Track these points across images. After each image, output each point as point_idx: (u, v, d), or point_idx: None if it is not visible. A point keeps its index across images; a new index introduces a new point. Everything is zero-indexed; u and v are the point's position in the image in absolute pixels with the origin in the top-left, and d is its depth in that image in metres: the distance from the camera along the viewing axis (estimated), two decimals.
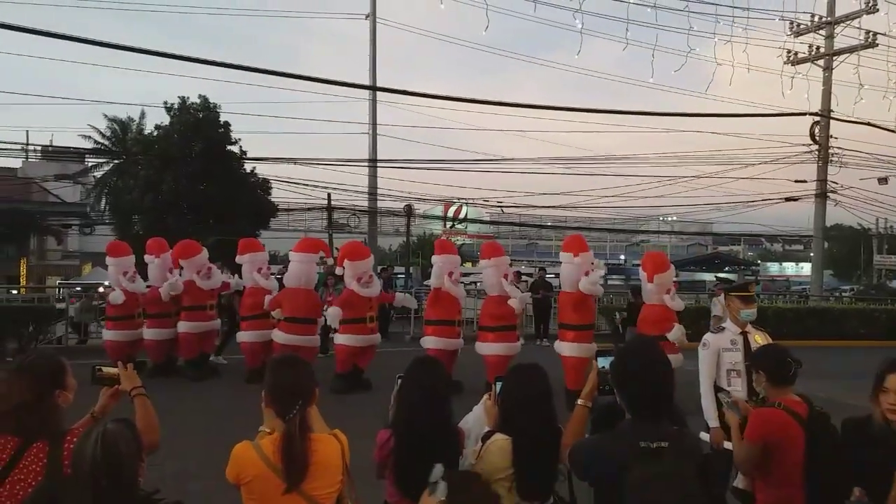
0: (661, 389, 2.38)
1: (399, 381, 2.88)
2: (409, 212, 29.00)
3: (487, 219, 42.31)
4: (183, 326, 10.30)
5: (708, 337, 4.61)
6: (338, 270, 9.99)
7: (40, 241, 35.43)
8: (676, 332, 8.63)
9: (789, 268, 62.01)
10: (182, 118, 22.61)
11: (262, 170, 24.30)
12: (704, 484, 2.38)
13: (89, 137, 33.63)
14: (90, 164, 34.10)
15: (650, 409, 2.36)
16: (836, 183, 23.51)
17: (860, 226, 44.99)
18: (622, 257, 57.42)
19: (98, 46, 12.14)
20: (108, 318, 10.90)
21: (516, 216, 38.36)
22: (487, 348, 9.24)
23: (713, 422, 4.35)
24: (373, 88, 21.41)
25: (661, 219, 47.72)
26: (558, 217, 39.41)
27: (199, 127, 22.28)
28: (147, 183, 21.95)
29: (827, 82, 22.59)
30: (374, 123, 22.77)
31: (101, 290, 14.41)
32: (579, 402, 2.75)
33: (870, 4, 21.11)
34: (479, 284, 16.37)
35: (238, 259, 10.77)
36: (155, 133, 24.13)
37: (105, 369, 2.72)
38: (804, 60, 22.84)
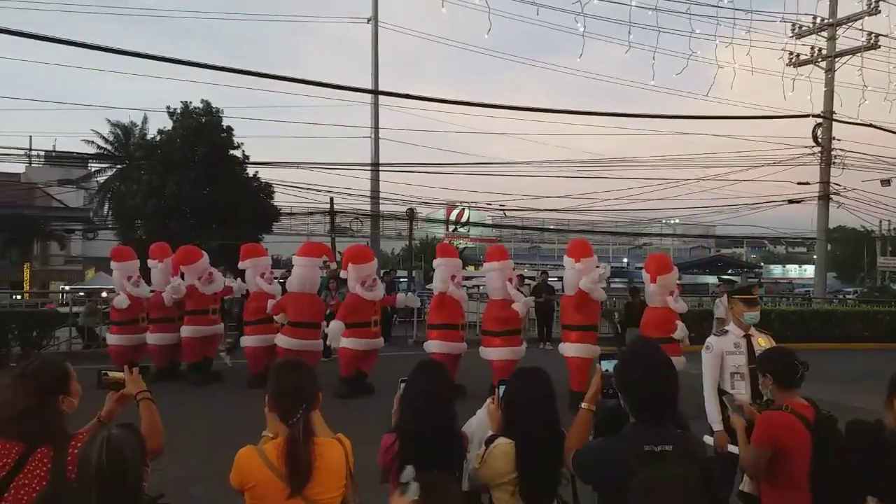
0: (664, 393, 2.38)
1: (402, 384, 2.88)
2: (411, 215, 29.00)
3: (490, 222, 42.33)
4: (185, 331, 10.30)
5: (711, 340, 4.60)
6: (343, 274, 9.99)
7: (43, 246, 35.57)
8: (680, 332, 8.66)
9: (792, 270, 61.94)
10: (185, 123, 22.68)
11: (265, 174, 24.37)
12: (708, 487, 2.37)
13: (92, 142, 33.78)
14: (93, 169, 34.21)
15: (653, 413, 2.35)
16: (839, 185, 23.50)
17: (863, 228, 44.97)
18: (625, 260, 57.39)
19: (101, 51, 12.17)
20: (112, 322, 10.92)
21: (519, 219, 38.38)
22: (494, 353, 9.18)
23: (717, 425, 4.34)
24: (375, 92, 21.46)
25: (663, 221, 47.70)
26: (561, 220, 39.41)
27: (201, 131, 22.34)
28: (150, 187, 22.00)
29: (829, 84, 22.58)
30: (376, 127, 22.84)
31: (104, 294, 14.45)
32: (583, 405, 2.74)
33: (871, 6, 21.12)
34: (481, 288, 16.38)
35: (241, 264, 10.78)
36: (158, 138, 24.20)
37: (111, 374, 2.72)
38: (806, 62, 22.84)
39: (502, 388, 2.92)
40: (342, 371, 9.51)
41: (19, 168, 35.96)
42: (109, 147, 33.81)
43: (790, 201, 24.52)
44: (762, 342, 4.47)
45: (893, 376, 2.95)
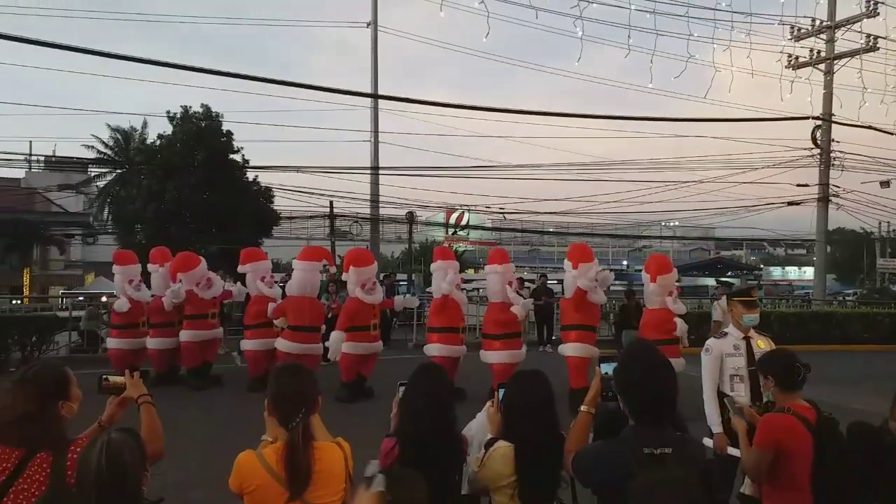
0: (663, 395, 2.38)
1: (401, 387, 2.88)
2: (411, 219, 29.00)
3: (489, 225, 42.36)
4: (184, 335, 10.30)
5: (711, 342, 4.61)
6: (343, 277, 10.00)
7: (43, 251, 35.58)
8: (681, 329, 8.75)
9: (792, 272, 61.99)
10: (184, 127, 22.69)
11: (265, 178, 24.40)
12: (708, 490, 2.37)
13: (92, 147, 33.75)
14: (93, 174, 34.21)
15: (653, 415, 2.35)
16: (839, 187, 23.50)
17: (863, 229, 45.00)
18: (625, 263, 57.36)
19: (100, 56, 12.19)
20: (112, 326, 10.92)
21: (518, 222, 38.38)
22: (494, 356, 9.18)
23: (717, 427, 4.34)
24: (374, 96, 21.49)
25: (663, 224, 47.71)
26: (560, 223, 39.39)
27: (201, 136, 22.35)
28: (150, 192, 22.00)
29: (828, 86, 22.62)
30: (376, 131, 22.87)
31: (104, 298, 14.46)
32: (582, 408, 2.74)
33: (870, 8, 21.16)
34: (481, 291, 16.37)
35: (241, 268, 10.79)
36: (157, 142, 24.22)
37: (112, 378, 2.72)
38: (805, 64, 22.88)
39: (502, 392, 2.92)
40: (343, 376, 9.50)
41: (19, 173, 35.96)
42: (109, 152, 33.81)
43: (790, 203, 24.53)
44: (761, 344, 4.48)
45: None
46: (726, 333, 4.60)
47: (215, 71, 13.87)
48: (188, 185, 21.55)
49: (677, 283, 9.46)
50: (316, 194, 32.00)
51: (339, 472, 2.41)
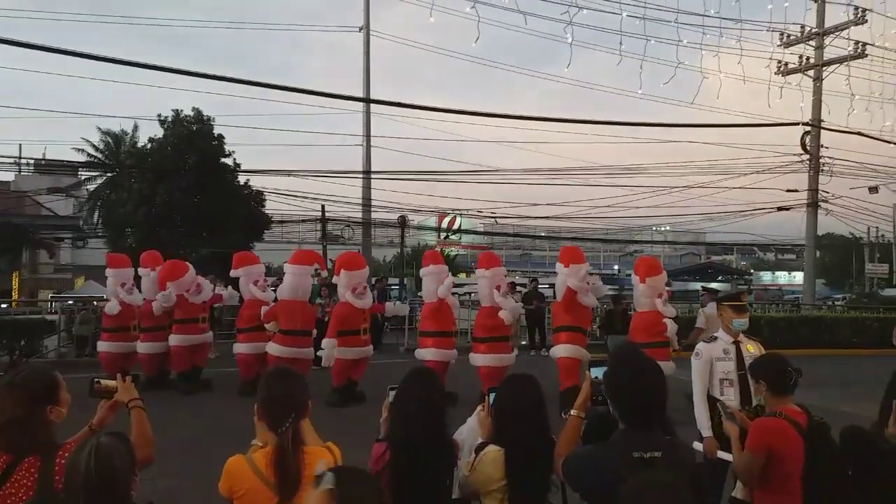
0: (651, 398, 2.39)
1: (391, 392, 2.88)
2: (402, 223, 29.01)
3: (481, 229, 42.37)
4: (174, 340, 10.26)
5: (700, 346, 4.63)
6: (335, 280, 9.99)
7: (32, 255, 35.30)
8: (671, 330, 8.80)
9: (782, 277, 62.30)
10: (175, 131, 22.61)
11: (256, 182, 24.31)
12: (697, 494, 2.38)
13: (82, 150, 33.59)
14: (83, 178, 34.07)
15: (642, 419, 2.36)
16: (828, 192, 23.68)
17: (852, 235, 45.31)
18: (616, 267, 57.51)
19: (91, 60, 12.14)
20: (103, 329, 10.88)
21: (510, 227, 38.44)
22: (480, 359, 9.23)
23: (706, 431, 4.36)
24: (366, 101, 21.47)
25: (654, 228, 47.90)
26: (552, 227, 39.49)
27: (192, 139, 22.28)
28: (140, 196, 21.90)
29: (817, 92, 22.79)
30: (368, 135, 22.81)
31: (95, 303, 14.38)
32: (573, 412, 2.75)
33: (858, 16, 21.36)
34: (472, 295, 16.40)
35: (233, 272, 10.78)
36: (148, 146, 24.10)
37: (103, 382, 2.71)
38: (794, 71, 23.05)
39: (492, 396, 2.92)
40: (334, 381, 9.48)
41: (9, 176, 35.77)
42: (100, 155, 33.66)
43: (779, 208, 24.68)
44: (751, 349, 4.50)
45: None
46: (716, 338, 4.62)
47: (207, 74, 13.85)
48: (179, 188, 21.46)
49: (668, 288, 9.51)
50: (310, 198, 31.93)
51: None
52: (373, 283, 16.32)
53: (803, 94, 22.47)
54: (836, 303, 29.75)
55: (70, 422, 2.44)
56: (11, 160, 28.57)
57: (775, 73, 23.11)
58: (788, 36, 23.01)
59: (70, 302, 17.62)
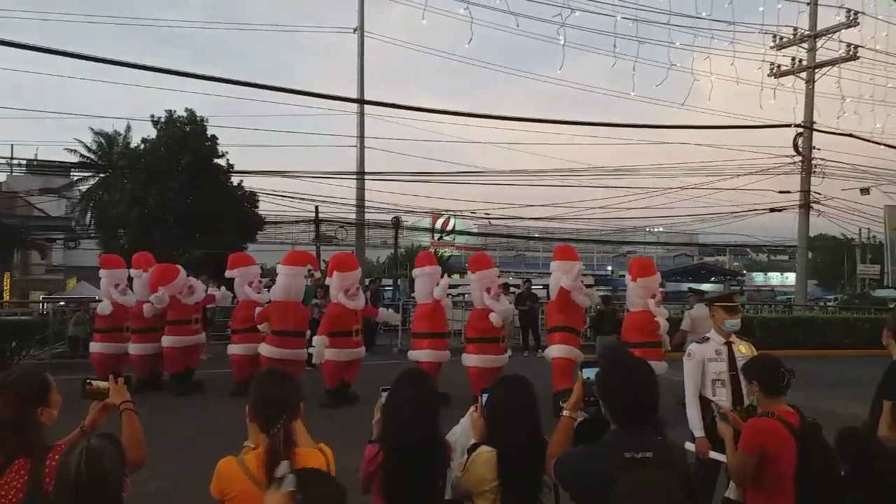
0: (643, 399, 2.40)
1: (383, 393, 2.87)
2: (396, 224, 28.98)
3: (475, 231, 42.40)
4: (167, 341, 10.23)
5: (693, 347, 4.65)
6: (328, 281, 9.98)
7: (24, 256, 35.12)
8: (663, 329, 8.86)
9: (774, 278, 62.51)
10: (169, 132, 22.53)
11: (250, 183, 24.26)
12: (690, 494, 2.38)
13: (75, 151, 33.47)
14: (75, 178, 33.90)
15: (634, 419, 2.37)
16: (820, 194, 23.82)
17: (843, 236, 45.52)
18: (609, 268, 57.64)
19: (84, 60, 12.09)
20: (96, 330, 10.85)
21: (504, 228, 38.48)
22: (470, 360, 9.25)
23: (698, 431, 4.37)
24: (360, 102, 21.45)
25: (647, 230, 47.99)
26: (545, 228, 39.55)
27: (185, 140, 22.20)
28: (133, 197, 21.81)
29: (809, 94, 22.91)
30: (362, 136, 22.80)
31: (91, 305, 14.33)
32: (565, 413, 2.75)
33: (850, 18, 21.48)
34: (466, 297, 16.40)
35: (228, 273, 10.77)
36: (141, 146, 24.01)
37: (95, 383, 2.70)
38: (787, 73, 23.16)
39: (485, 397, 2.92)
40: (326, 383, 9.45)
41: (0, 177, 35.55)
42: (92, 156, 33.52)
43: (772, 210, 24.81)
44: (743, 349, 4.52)
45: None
46: (708, 338, 4.63)
47: (200, 75, 13.83)
48: (172, 189, 21.39)
49: (662, 289, 9.54)
50: (302, 199, 31.88)
51: None
52: (366, 284, 16.31)
53: (796, 95, 22.62)
54: (828, 303, 29.86)
55: (61, 423, 2.43)
56: (3, 160, 28.46)
57: (768, 75, 23.25)
58: (781, 38, 23.14)
59: (62, 303, 17.55)
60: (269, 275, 12.84)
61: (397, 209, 28.62)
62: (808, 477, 3.01)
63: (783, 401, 3.23)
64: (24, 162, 29.07)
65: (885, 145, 22.59)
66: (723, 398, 4.35)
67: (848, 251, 47.92)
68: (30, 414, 2.29)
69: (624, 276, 10.17)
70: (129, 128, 32.73)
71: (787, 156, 23.37)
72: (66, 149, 33.72)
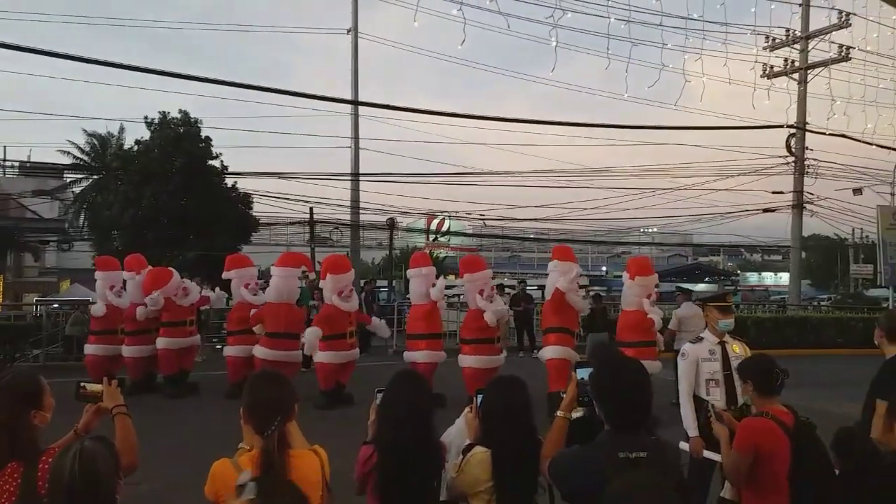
0: (637, 398, 2.40)
1: (378, 394, 2.87)
2: (391, 225, 28.96)
3: (470, 232, 42.43)
4: (162, 343, 10.21)
5: (686, 347, 4.66)
6: (321, 283, 9.97)
7: (17, 258, 34.92)
8: (658, 327, 8.92)
9: (768, 278, 62.81)
10: (162, 133, 22.47)
11: (244, 184, 24.20)
12: (684, 494, 2.39)
13: (68, 153, 33.33)
14: (69, 180, 33.73)
15: (628, 419, 2.37)
16: (813, 194, 23.91)
17: (836, 236, 45.68)
18: (604, 269, 57.76)
19: (77, 62, 12.07)
20: (91, 332, 10.83)
21: (499, 228, 38.49)
22: (464, 360, 9.24)
23: (692, 431, 4.38)
24: (355, 103, 21.44)
25: (641, 230, 48.13)
26: (540, 229, 39.58)
27: (179, 142, 22.15)
28: (126, 198, 21.75)
29: (802, 95, 22.99)
30: (356, 137, 22.77)
31: (88, 305, 14.29)
32: (559, 413, 2.75)
33: (842, 19, 21.57)
34: (461, 298, 16.41)
35: (225, 274, 10.76)
36: (135, 148, 23.94)
37: (89, 386, 2.69)
38: (780, 74, 23.23)
39: (480, 397, 2.92)
40: (321, 385, 9.44)
41: None
42: (86, 157, 33.39)
43: (765, 210, 24.89)
44: (737, 349, 4.53)
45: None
46: (702, 338, 4.65)
47: (194, 76, 13.81)
48: (166, 191, 21.33)
49: (656, 290, 9.56)
50: (296, 200, 31.86)
51: (316, 479, 2.39)
52: (361, 285, 16.29)
53: (790, 96, 22.70)
54: (822, 303, 29.99)
55: (54, 426, 2.42)
56: None
57: (761, 77, 23.32)
58: (773, 39, 23.21)
59: (55, 305, 17.48)
60: (264, 276, 12.84)
61: (392, 210, 28.62)
62: (803, 476, 3.02)
63: (777, 400, 3.24)
64: (17, 164, 28.99)
65: (877, 146, 22.68)
66: (717, 398, 4.36)
67: (841, 251, 48.16)
68: (23, 417, 2.28)
69: (619, 276, 10.20)
70: (122, 129, 32.72)
71: (780, 156, 23.48)
72: (59, 150, 33.63)
